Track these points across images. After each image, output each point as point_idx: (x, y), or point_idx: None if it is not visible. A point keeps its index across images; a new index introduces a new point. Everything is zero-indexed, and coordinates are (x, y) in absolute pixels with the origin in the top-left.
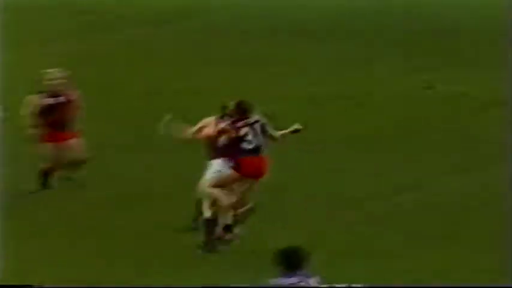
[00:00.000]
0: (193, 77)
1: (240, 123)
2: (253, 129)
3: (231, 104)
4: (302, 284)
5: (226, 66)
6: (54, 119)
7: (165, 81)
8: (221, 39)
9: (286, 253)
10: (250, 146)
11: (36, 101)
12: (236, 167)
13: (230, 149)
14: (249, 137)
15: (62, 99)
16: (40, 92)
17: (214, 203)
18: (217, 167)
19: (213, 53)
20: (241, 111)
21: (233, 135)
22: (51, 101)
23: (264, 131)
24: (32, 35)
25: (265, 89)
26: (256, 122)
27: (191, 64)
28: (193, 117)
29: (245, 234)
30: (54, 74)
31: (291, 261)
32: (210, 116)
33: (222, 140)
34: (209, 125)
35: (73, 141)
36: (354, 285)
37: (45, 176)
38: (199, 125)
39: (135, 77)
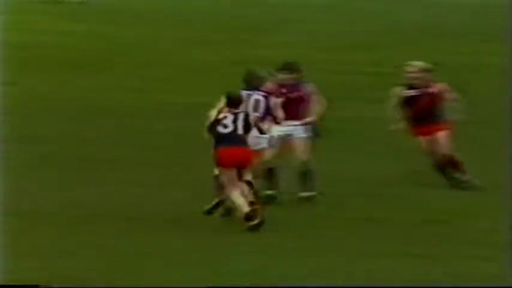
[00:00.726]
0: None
1: (223, 110)
2: (235, 116)
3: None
4: None
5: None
6: (414, 112)
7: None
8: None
9: None
10: (226, 130)
11: (400, 92)
12: (215, 158)
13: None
14: (226, 121)
15: (422, 91)
16: (404, 84)
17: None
18: None
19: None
20: (230, 103)
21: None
22: (411, 92)
23: (246, 121)
24: None
25: None
26: (242, 112)
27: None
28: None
29: None
30: (415, 66)
31: None
32: None
33: None
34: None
35: (439, 135)
36: None
37: (442, 170)
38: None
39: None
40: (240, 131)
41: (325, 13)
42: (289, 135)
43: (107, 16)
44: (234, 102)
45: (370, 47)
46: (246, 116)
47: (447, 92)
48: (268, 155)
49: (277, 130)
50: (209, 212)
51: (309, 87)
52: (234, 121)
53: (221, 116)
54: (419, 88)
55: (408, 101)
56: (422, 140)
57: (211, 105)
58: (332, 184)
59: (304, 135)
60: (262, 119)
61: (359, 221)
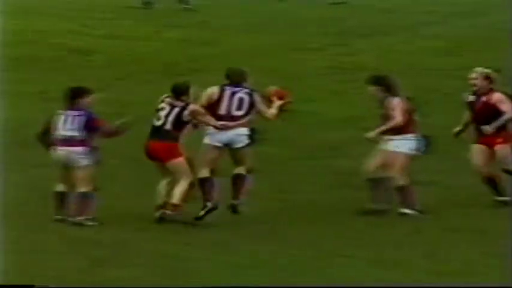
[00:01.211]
0: None
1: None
2: (171, 108)
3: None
4: None
5: None
6: (472, 119)
7: None
8: None
9: None
10: (157, 123)
11: (464, 97)
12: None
13: None
14: (161, 113)
15: (478, 98)
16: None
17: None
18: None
19: None
20: (173, 93)
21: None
22: (470, 98)
23: (179, 116)
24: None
25: None
26: (179, 106)
27: None
28: None
29: None
30: (474, 71)
31: None
32: None
33: None
34: None
35: (498, 147)
36: None
37: (489, 182)
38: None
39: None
40: (169, 126)
41: (415, 17)
42: (386, 148)
43: (204, 22)
44: (176, 92)
45: (458, 50)
46: (181, 110)
47: (501, 102)
48: (371, 166)
49: (383, 145)
50: (200, 218)
51: (393, 102)
52: (167, 115)
53: (160, 106)
54: (476, 95)
55: (469, 107)
56: (475, 147)
57: (308, 112)
58: (424, 193)
59: (395, 149)
60: (245, 115)
61: (452, 231)
